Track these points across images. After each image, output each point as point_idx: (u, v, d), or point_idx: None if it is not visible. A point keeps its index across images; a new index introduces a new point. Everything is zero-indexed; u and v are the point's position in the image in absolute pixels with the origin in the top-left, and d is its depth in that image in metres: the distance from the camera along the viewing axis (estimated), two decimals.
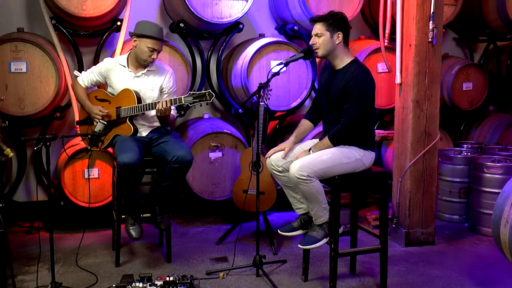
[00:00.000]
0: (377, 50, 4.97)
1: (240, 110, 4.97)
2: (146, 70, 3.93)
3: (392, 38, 4.56)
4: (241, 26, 4.93)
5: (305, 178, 3.18)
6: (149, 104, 3.78)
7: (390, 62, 4.68)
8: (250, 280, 3.67)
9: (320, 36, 3.35)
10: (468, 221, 4.89)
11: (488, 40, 6.01)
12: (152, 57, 3.84)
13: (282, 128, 5.28)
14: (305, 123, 3.65)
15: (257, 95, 3.69)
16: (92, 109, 3.90)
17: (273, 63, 4.71)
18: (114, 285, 3.39)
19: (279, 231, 3.56)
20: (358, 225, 3.70)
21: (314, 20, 3.40)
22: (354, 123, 3.30)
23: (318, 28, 3.36)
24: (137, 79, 3.93)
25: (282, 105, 4.90)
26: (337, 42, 3.35)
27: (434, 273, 3.81)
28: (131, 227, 3.79)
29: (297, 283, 3.64)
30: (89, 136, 3.75)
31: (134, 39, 3.85)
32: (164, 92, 4.00)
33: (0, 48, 4.34)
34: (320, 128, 3.70)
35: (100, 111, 3.86)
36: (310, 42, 3.43)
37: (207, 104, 3.95)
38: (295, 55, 3.68)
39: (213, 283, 3.61)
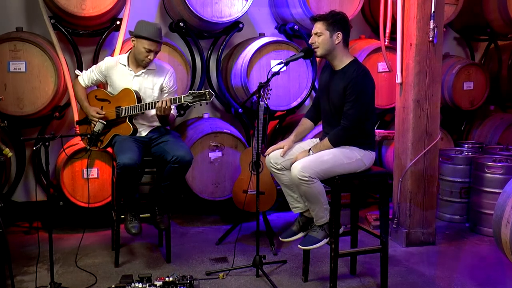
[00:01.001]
0: (378, 50, 4.95)
1: (240, 109, 4.96)
2: (146, 69, 3.91)
3: (393, 38, 4.55)
4: (241, 25, 4.91)
5: (307, 179, 3.16)
6: (148, 103, 3.76)
7: (391, 62, 4.67)
8: (250, 280, 3.65)
9: (319, 35, 3.33)
10: (469, 221, 4.87)
11: (489, 39, 5.99)
12: (149, 57, 3.82)
13: (282, 128, 5.27)
14: (305, 122, 3.64)
15: (257, 95, 3.67)
16: (89, 111, 3.88)
17: (273, 62, 4.69)
18: (113, 286, 3.38)
19: (280, 238, 3.56)
20: (358, 225, 3.69)
21: (315, 19, 3.38)
22: (354, 124, 3.29)
23: (318, 27, 3.35)
24: (137, 78, 3.91)
25: (282, 105, 4.88)
26: (336, 42, 3.33)
27: (434, 273, 3.79)
28: (130, 224, 3.78)
29: (297, 283, 3.63)
30: (88, 136, 3.73)
31: (132, 38, 3.84)
32: (165, 92, 3.98)
33: None
34: (320, 127, 3.68)
35: (97, 113, 3.84)
36: (310, 41, 3.42)
37: (206, 103, 3.94)
38: (295, 54, 3.67)
39: (213, 283, 3.60)
